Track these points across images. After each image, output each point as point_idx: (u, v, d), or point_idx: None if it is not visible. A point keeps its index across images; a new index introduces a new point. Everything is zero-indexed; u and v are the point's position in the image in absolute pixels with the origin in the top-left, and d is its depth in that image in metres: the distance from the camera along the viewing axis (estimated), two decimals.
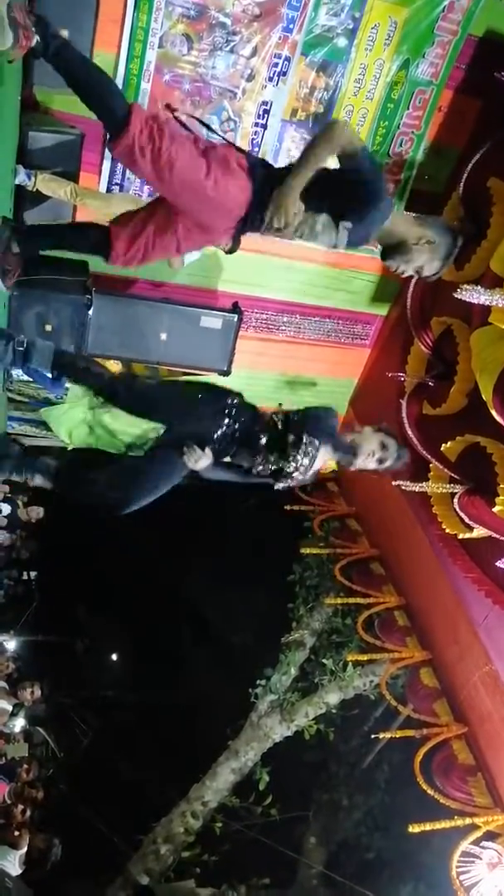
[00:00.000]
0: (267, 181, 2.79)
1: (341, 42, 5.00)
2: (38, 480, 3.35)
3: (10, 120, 4.03)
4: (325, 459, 3.20)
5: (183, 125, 2.99)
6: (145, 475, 3.14)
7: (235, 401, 3.14)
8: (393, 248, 2.98)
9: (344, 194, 2.75)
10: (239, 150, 2.89)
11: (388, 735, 5.94)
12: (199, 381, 3.36)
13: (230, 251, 5.30)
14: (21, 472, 3.34)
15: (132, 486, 3.11)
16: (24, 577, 9.85)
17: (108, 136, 2.82)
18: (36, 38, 2.66)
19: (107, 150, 5.12)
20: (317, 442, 3.07)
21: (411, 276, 3.12)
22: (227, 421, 3.08)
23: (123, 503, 3.09)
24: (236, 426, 3.10)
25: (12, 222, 3.33)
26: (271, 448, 3.08)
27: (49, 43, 2.71)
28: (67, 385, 6.30)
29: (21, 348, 3.14)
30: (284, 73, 5.04)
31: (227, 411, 3.09)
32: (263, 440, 3.08)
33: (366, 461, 3.19)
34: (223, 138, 3.03)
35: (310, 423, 3.13)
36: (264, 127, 5.24)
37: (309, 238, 2.87)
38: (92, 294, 4.97)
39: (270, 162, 3.05)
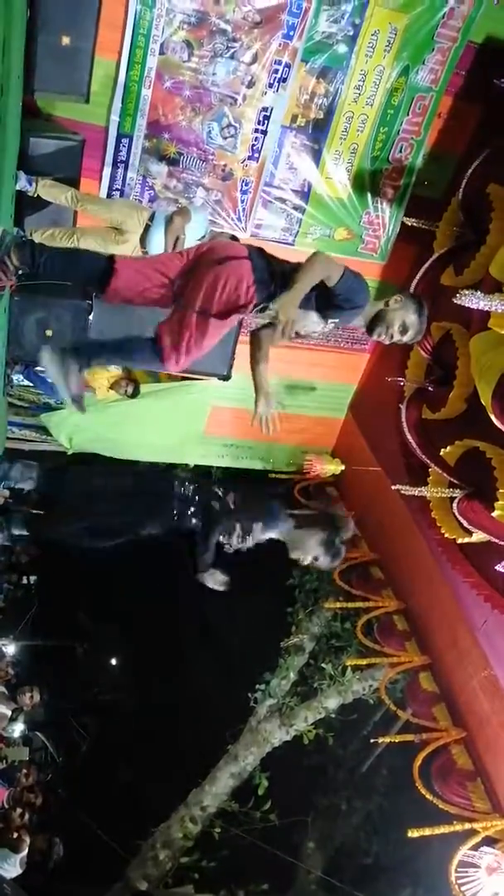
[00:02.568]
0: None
1: (341, 48, 5.03)
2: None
3: (12, 126, 4.05)
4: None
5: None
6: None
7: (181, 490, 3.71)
8: (373, 322, 3.26)
9: (330, 305, 3.15)
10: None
11: (387, 740, 5.92)
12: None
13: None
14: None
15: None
16: (24, 581, 9.84)
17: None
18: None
19: (107, 157, 5.17)
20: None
21: (399, 342, 3.34)
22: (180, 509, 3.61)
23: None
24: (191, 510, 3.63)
25: (12, 233, 3.37)
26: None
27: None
28: None
29: None
30: (285, 80, 5.07)
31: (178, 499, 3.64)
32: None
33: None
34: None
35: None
36: (264, 133, 5.26)
37: (302, 329, 3.22)
38: (92, 299, 4.98)
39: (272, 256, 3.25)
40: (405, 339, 3.30)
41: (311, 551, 3.73)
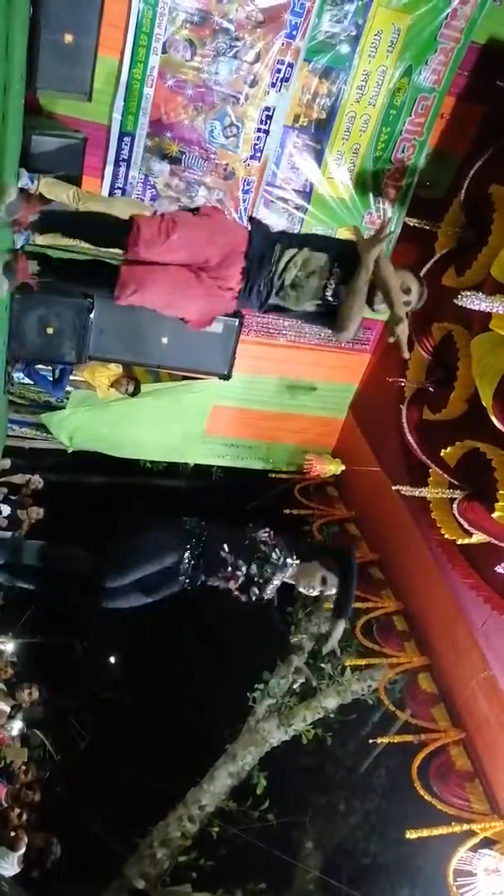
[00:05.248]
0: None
1: (344, 49, 5.02)
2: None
3: (14, 123, 4.05)
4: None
5: None
6: None
7: (188, 527, 3.60)
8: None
9: None
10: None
11: (385, 740, 5.92)
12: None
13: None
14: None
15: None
16: None
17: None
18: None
19: (109, 155, 5.17)
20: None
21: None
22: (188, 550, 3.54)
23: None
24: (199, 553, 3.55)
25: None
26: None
27: None
28: (69, 388, 6.33)
29: None
30: (287, 79, 5.06)
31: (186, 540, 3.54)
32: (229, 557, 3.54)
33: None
34: None
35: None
36: (266, 132, 5.26)
37: None
38: (94, 297, 4.97)
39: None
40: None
41: (317, 574, 3.59)
